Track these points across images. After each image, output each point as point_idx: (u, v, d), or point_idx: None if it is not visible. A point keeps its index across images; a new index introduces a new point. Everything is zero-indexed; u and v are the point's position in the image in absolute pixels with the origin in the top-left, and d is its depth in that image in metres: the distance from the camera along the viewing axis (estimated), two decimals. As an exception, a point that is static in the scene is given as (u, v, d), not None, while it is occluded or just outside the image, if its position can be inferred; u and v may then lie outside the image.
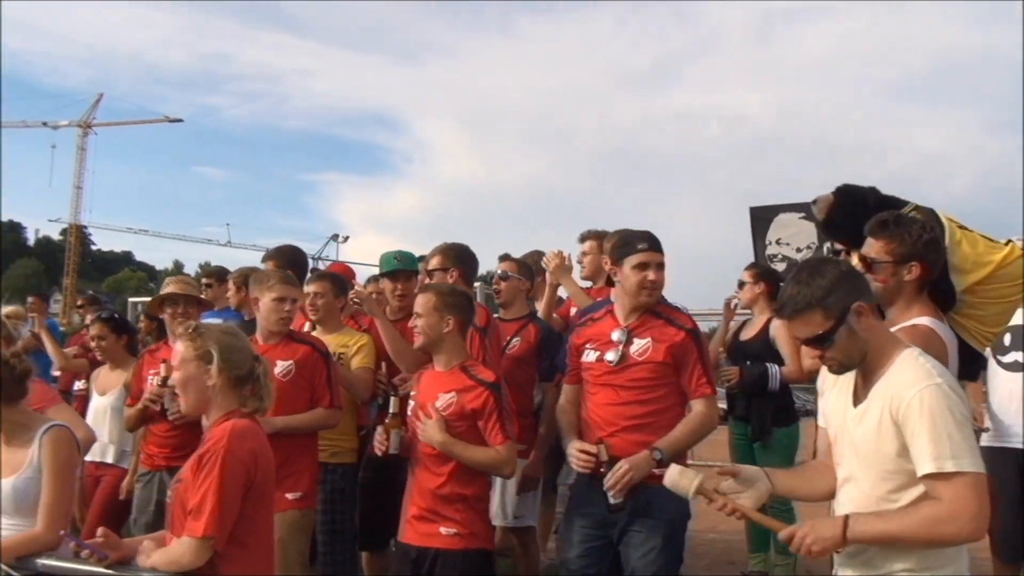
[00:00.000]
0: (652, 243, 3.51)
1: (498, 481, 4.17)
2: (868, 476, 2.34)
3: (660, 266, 3.48)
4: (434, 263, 4.47)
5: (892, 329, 2.60)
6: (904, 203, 3.27)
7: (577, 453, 3.42)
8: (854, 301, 2.34)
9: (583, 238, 5.30)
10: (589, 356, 3.57)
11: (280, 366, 3.90)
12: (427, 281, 4.44)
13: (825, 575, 5.75)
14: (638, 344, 3.45)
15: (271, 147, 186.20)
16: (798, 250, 11.09)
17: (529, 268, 4.90)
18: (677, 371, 3.44)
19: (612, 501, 3.32)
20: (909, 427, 2.22)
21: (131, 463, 4.93)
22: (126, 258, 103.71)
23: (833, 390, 2.55)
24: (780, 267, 11.02)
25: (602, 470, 3.33)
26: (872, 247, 2.91)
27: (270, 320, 4.03)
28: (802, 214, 11.18)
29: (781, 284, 5.48)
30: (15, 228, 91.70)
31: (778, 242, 11.17)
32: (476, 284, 5.71)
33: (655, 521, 3.36)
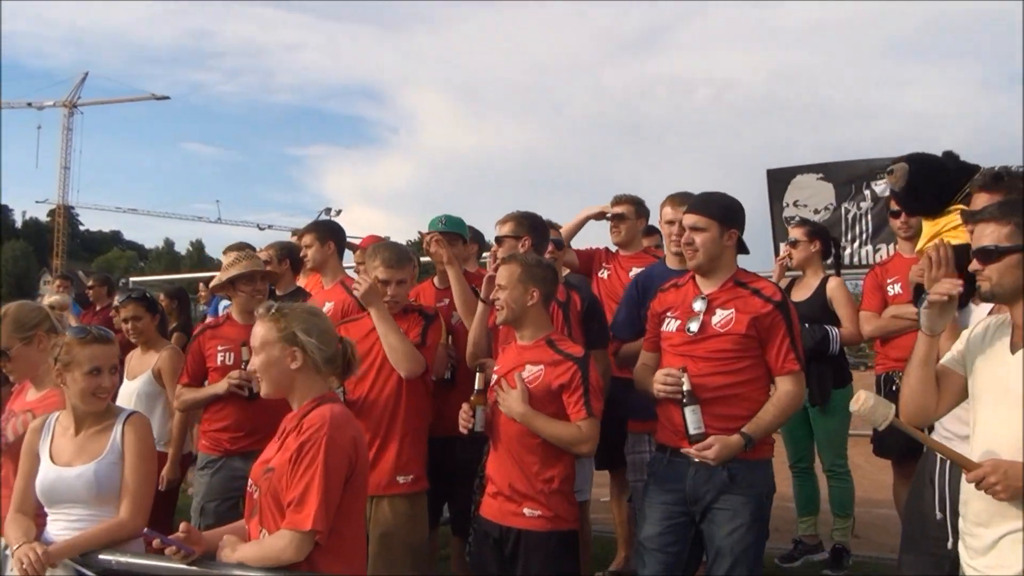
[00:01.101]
0: (691, 205, 3.46)
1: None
2: None
3: (695, 229, 3.36)
4: (506, 230, 4.28)
5: None
6: (979, 168, 3.23)
7: (662, 376, 3.29)
8: None
9: (617, 202, 5.06)
10: (670, 325, 3.43)
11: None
12: (496, 249, 4.28)
13: (877, 540, 5.79)
14: (720, 314, 3.30)
15: (258, 122, 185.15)
16: (815, 212, 11.00)
17: (558, 238, 4.77)
18: (761, 345, 3.29)
19: (692, 431, 3.19)
20: None
21: (171, 451, 4.69)
22: (115, 237, 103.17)
23: (985, 340, 2.51)
24: (797, 231, 11.06)
25: (683, 399, 3.21)
26: (983, 202, 2.85)
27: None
28: (819, 175, 11.13)
29: (833, 241, 5.48)
30: (1, 211, 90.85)
31: (795, 204, 11.11)
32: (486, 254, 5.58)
33: (743, 497, 3.23)
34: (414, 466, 3.80)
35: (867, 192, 10.74)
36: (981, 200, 2.96)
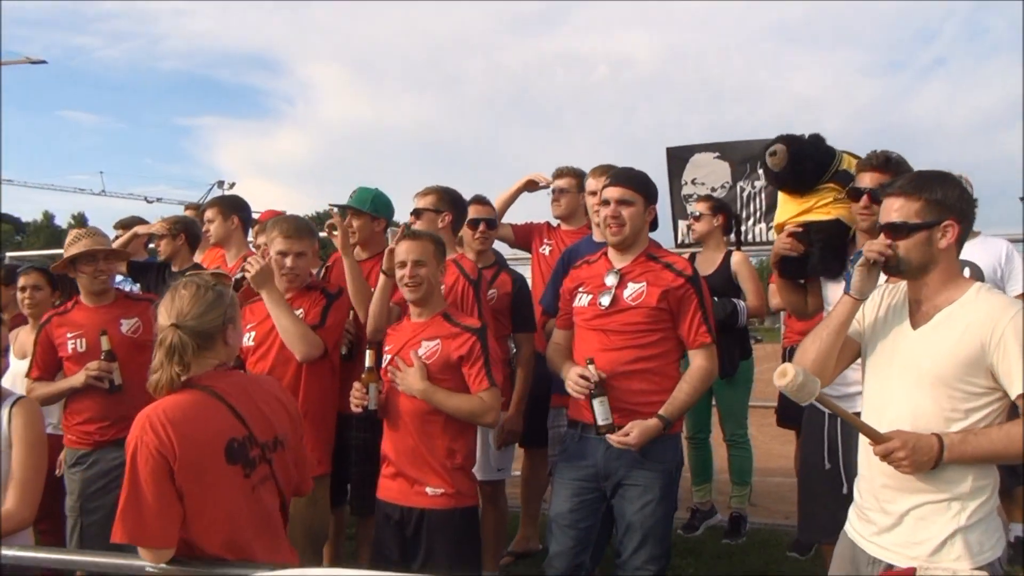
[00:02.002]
0: (616, 178, 3.45)
1: (482, 435, 4.03)
2: (931, 395, 2.36)
3: (621, 202, 3.36)
4: (427, 202, 4.22)
5: None
6: (833, 151, 3.48)
7: (576, 378, 3.26)
8: (951, 217, 2.38)
9: (559, 174, 5.00)
10: (581, 300, 3.44)
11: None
12: (412, 221, 4.20)
13: (772, 507, 5.99)
14: (632, 288, 3.33)
15: (145, 90, 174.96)
16: (712, 189, 11.24)
17: (491, 216, 4.72)
18: (674, 318, 3.33)
19: (600, 422, 3.21)
20: (1003, 350, 2.27)
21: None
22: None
23: (880, 312, 2.56)
24: (694, 206, 11.31)
25: (591, 391, 3.22)
26: (869, 181, 3.20)
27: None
28: (716, 154, 11.35)
29: (735, 218, 5.62)
30: None
31: (693, 182, 11.29)
32: (388, 230, 5.48)
33: (653, 473, 3.28)
34: (314, 450, 3.67)
35: (761, 171, 11.07)
36: (867, 179, 3.21)
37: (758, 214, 10.62)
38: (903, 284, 2.54)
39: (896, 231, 2.40)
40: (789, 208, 3.56)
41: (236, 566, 2.32)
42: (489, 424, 3.50)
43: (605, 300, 3.33)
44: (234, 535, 2.35)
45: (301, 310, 3.69)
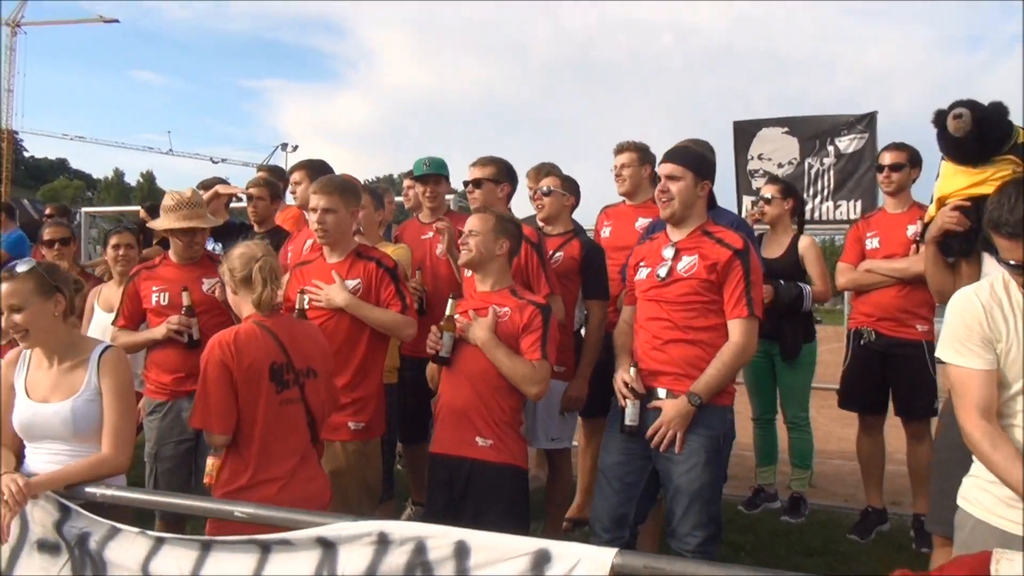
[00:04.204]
0: (667, 154, 3.57)
1: (539, 404, 4.09)
2: None
3: (670, 178, 3.47)
4: (487, 172, 4.39)
5: None
6: (1012, 123, 3.26)
7: (622, 386, 3.42)
8: None
9: (620, 149, 4.90)
10: (641, 273, 3.58)
11: (348, 285, 3.81)
12: (471, 191, 4.40)
13: (830, 489, 5.99)
14: (686, 261, 3.45)
15: (211, 52, 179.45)
16: (779, 165, 11.10)
17: (573, 182, 4.71)
18: (719, 289, 3.41)
19: (627, 422, 3.39)
20: None
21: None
22: (61, 165, 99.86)
23: (1012, 333, 2.42)
24: (760, 182, 11.01)
25: (633, 398, 3.39)
26: None
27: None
28: (784, 129, 11.21)
29: (803, 199, 5.54)
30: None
31: (759, 157, 11.17)
32: (449, 196, 5.56)
33: (700, 437, 3.35)
34: (366, 414, 3.81)
35: (831, 148, 10.82)
36: None
37: (825, 192, 10.48)
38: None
39: None
40: (957, 180, 3.40)
41: (315, 516, 2.54)
42: (534, 396, 3.57)
43: (663, 272, 3.46)
44: (265, 435, 3.01)
45: (358, 281, 3.79)
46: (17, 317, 2.96)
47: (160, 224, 4.26)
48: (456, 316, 3.58)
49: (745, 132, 11.11)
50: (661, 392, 3.39)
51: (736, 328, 3.38)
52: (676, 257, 3.46)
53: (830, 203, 10.41)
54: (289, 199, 5.52)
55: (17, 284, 2.97)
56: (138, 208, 7.50)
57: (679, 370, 3.38)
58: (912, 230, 4.67)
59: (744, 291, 3.37)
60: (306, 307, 3.63)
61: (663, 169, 3.52)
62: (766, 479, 5.49)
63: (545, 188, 4.49)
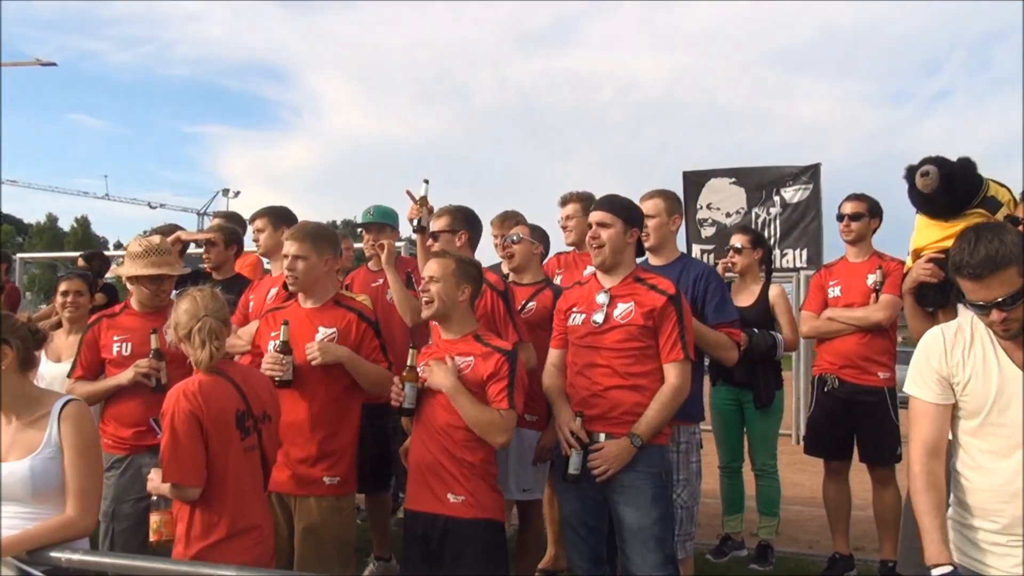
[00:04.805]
0: (598, 202, 3.74)
1: (510, 454, 4.04)
2: None
3: (601, 225, 3.59)
4: (441, 224, 4.35)
5: None
6: (981, 177, 3.35)
7: (568, 436, 3.47)
8: None
9: (564, 201, 4.93)
10: (575, 319, 3.64)
11: (322, 333, 3.71)
12: (432, 243, 4.32)
13: (794, 536, 6.02)
14: (621, 308, 3.54)
15: (152, 96, 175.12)
16: (727, 215, 11.40)
17: (542, 232, 4.71)
18: (655, 335, 3.50)
19: (571, 471, 3.46)
20: None
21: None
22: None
23: (969, 369, 2.49)
24: (709, 231, 11.35)
25: (579, 448, 3.46)
26: None
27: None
28: (732, 179, 11.52)
29: (770, 250, 5.64)
30: None
31: (708, 207, 11.47)
32: (400, 243, 5.55)
33: (640, 475, 3.45)
34: (342, 467, 3.72)
35: (776, 198, 11.15)
36: None
37: (772, 240, 10.72)
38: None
39: (1011, 303, 2.33)
40: (931, 233, 3.49)
41: None
42: (500, 444, 3.49)
43: (599, 318, 3.54)
44: (237, 484, 3.01)
45: (334, 330, 3.71)
46: None
47: (126, 271, 4.12)
48: (419, 367, 3.50)
49: (694, 183, 11.37)
50: (601, 436, 3.46)
51: (672, 371, 3.48)
52: (611, 304, 3.54)
53: (777, 251, 10.66)
54: (251, 246, 5.42)
55: None
56: (75, 255, 7.37)
57: (619, 416, 3.47)
58: (872, 279, 4.78)
59: (679, 335, 3.49)
60: (287, 339, 3.59)
61: (593, 217, 3.63)
62: (733, 527, 5.48)
63: (515, 236, 4.47)
